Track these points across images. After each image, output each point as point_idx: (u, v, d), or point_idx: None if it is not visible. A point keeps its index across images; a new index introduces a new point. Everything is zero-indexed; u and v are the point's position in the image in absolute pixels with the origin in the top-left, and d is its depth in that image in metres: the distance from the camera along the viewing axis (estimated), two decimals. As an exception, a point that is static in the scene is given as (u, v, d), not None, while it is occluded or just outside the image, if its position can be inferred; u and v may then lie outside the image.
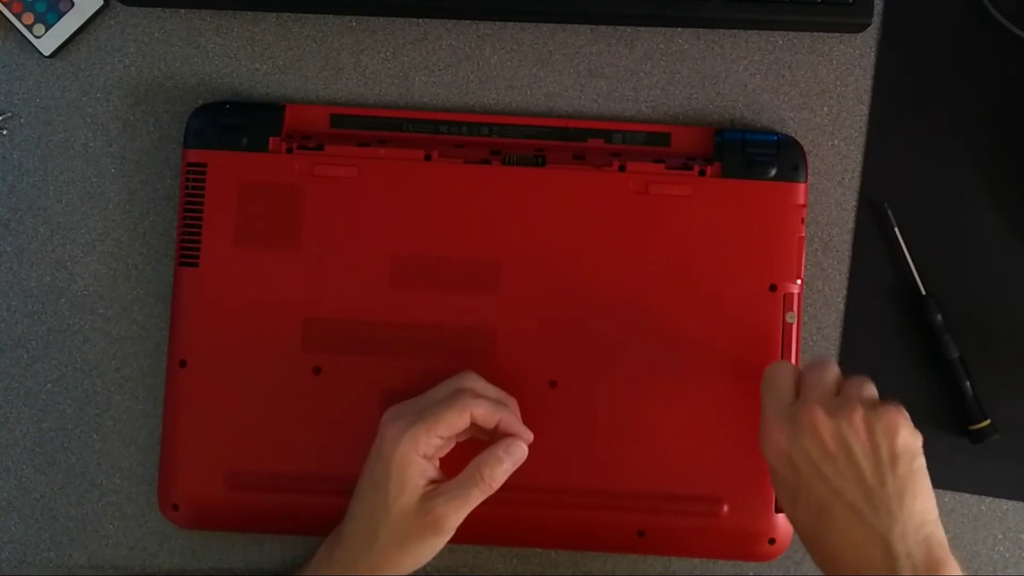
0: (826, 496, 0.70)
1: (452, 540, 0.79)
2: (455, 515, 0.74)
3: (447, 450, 0.77)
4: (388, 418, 0.76)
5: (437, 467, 0.75)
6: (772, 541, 0.81)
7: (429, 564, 0.84)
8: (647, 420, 0.81)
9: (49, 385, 0.87)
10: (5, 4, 0.87)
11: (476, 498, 0.74)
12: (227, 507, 0.83)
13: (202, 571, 0.86)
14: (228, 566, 0.86)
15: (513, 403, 0.79)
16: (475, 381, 0.77)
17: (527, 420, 0.79)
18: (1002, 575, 0.84)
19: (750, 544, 0.81)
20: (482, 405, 0.75)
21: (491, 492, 0.75)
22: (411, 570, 0.76)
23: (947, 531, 0.84)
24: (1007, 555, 0.85)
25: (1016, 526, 0.85)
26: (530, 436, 0.77)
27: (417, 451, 0.73)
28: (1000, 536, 0.85)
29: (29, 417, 0.87)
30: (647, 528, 0.81)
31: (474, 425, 0.76)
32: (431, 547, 0.75)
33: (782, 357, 0.81)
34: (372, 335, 0.82)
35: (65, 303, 0.88)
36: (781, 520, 0.81)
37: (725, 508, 0.81)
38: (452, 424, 0.74)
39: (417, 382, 0.81)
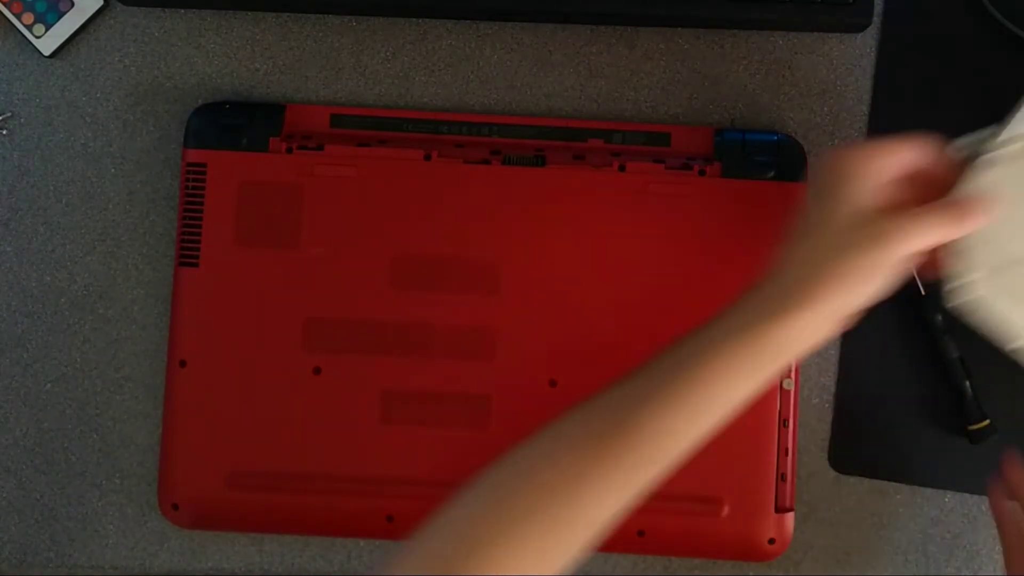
0: None
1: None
2: (904, 234, 0.66)
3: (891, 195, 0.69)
4: (833, 152, 0.69)
5: (883, 195, 0.68)
6: (772, 541, 0.81)
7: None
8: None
9: (49, 385, 0.87)
10: (5, 4, 0.87)
11: (935, 225, 0.67)
12: (227, 507, 0.83)
13: (202, 571, 0.86)
14: (228, 566, 0.86)
15: None
16: None
17: (527, 420, 0.79)
18: (1002, 575, 0.84)
19: (750, 544, 0.81)
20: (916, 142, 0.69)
21: (957, 232, 0.68)
22: (856, 297, 0.67)
23: (947, 531, 0.84)
24: (1007, 555, 0.85)
25: (1016, 526, 0.85)
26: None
27: (870, 162, 0.68)
28: (1000, 536, 0.85)
29: (29, 417, 0.87)
30: (647, 528, 0.81)
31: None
32: (875, 266, 0.66)
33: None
34: (372, 335, 0.82)
35: (65, 303, 0.88)
36: (781, 520, 0.81)
37: (725, 508, 0.81)
38: (905, 152, 0.69)
39: (417, 382, 0.81)
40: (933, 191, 0.70)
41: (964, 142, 0.70)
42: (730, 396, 0.68)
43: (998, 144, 0.70)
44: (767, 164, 0.82)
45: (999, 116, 0.85)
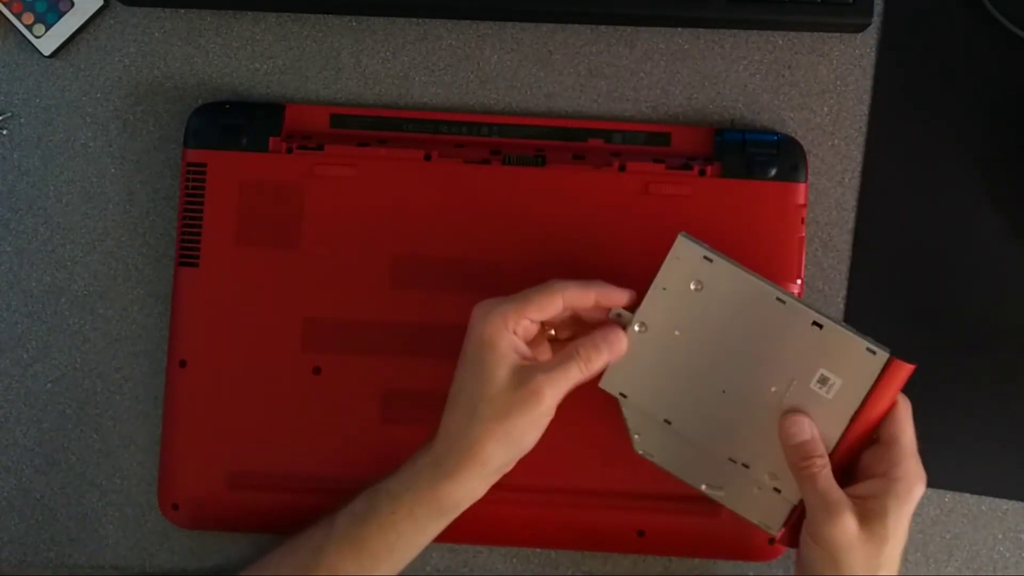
0: None
1: (452, 540, 0.79)
2: (553, 389, 0.71)
3: (535, 334, 0.75)
4: (476, 309, 0.74)
5: (527, 349, 0.74)
6: (772, 541, 0.81)
7: (429, 565, 0.85)
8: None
9: (49, 385, 0.87)
10: (5, 4, 0.87)
11: (574, 375, 0.72)
12: (227, 507, 0.83)
13: (202, 571, 0.86)
14: (228, 566, 0.86)
15: (602, 283, 0.76)
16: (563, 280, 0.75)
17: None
18: (1002, 575, 0.84)
19: (750, 544, 0.81)
20: (572, 285, 0.73)
21: (588, 375, 0.73)
22: (516, 452, 0.73)
23: (947, 531, 0.84)
24: (1007, 555, 0.85)
25: (1016, 526, 0.85)
26: (627, 295, 0.75)
27: (507, 326, 0.72)
28: (1000, 536, 0.85)
29: (29, 417, 0.87)
30: (647, 528, 0.81)
31: (574, 318, 0.75)
32: (531, 422, 0.72)
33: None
34: (372, 335, 0.82)
35: (65, 303, 0.88)
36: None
37: (725, 508, 0.80)
38: (542, 305, 0.73)
39: (417, 382, 0.81)
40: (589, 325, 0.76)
41: (616, 312, 0.75)
42: (404, 548, 0.75)
43: (633, 322, 0.76)
44: (767, 164, 0.82)
45: (999, 116, 0.85)
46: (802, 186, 0.82)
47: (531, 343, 0.75)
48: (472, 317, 0.73)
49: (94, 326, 0.87)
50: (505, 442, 0.72)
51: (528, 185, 0.82)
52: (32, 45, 0.87)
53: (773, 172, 0.82)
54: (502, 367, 0.72)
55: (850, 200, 0.86)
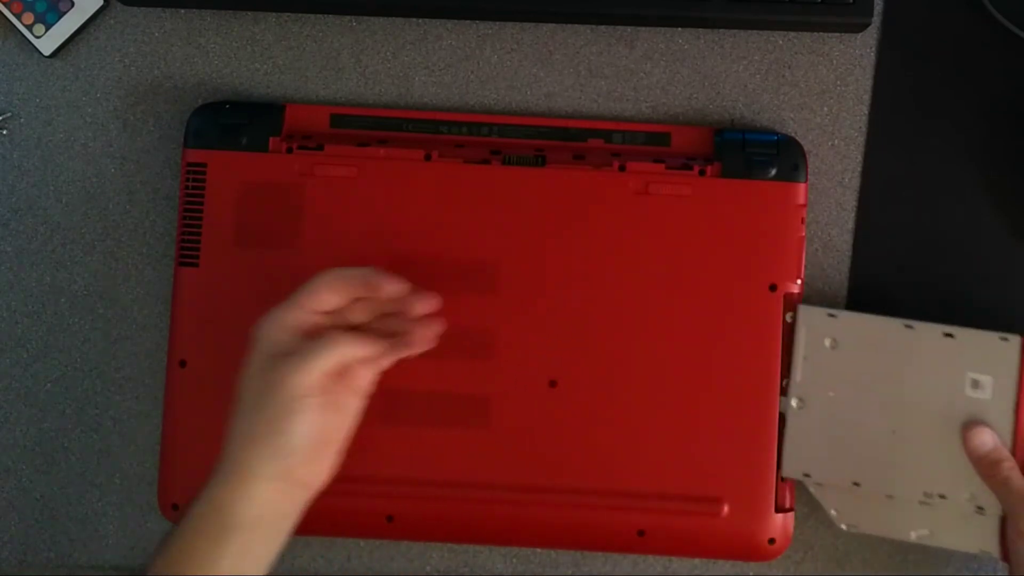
0: None
1: (452, 540, 0.79)
2: (300, 360, 0.71)
3: (321, 323, 0.74)
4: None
5: (298, 341, 0.73)
6: (772, 541, 0.81)
7: (429, 565, 0.85)
8: (647, 419, 0.81)
9: (49, 385, 0.87)
10: (5, 4, 0.87)
11: (328, 356, 0.72)
12: (227, 507, 0.83)
13: (202, 571, 0.86)
14: (228, 566, 0.86)
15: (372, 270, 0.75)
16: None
17: (526, 419, 0.79)
18: (1002, 575, 0.84)
19: (750, 544, 0.81)
20: (336, 277, 0.74)
21: (351, 351, 0.73)
22: (282, 442, 0.71)
23: (947, 531, 0.84)
24: (1007, 555, 0.85)
25: (1016, 526, 0.85)
26: (396, 285, 0.75)
27: (278, 323, 0.72)
28: (1000, 536, 0.85)
29: (29, 417, 0.87)
30: (647, 528, 0.81)
31: (370, 303, 0.76)
32: (278, 411, 0.71)
33: (782, 356, 0.81)
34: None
35: (65, 303, 0.88)
36: (781, 520, 0.81)
37: (725, 508, 0.80)
38: (308, 299, 0.73)
39: (417, 382, 0.81)
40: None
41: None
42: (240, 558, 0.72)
43: (791, 399, 0.81)
44: (767, 164, 0.82)
45: (999, 116, 0.85)
46: (802, 186, 0.82)
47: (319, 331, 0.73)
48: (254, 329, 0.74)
49: (94, 326, 0.87)
50: (265, 439, 0.71)
51: (528, 185, 0.82)
52: (32, 45, 0.87)
53: (773, 172, 0.82)
54: (259, 362, 0.72)
55: (850, 200, 0.86)
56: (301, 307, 0.73)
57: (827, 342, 0.80)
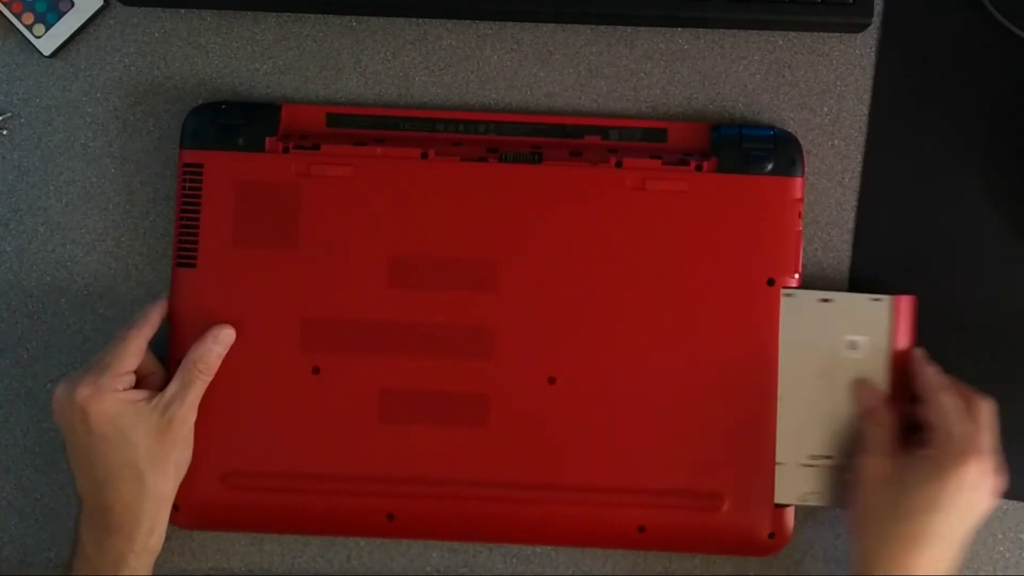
0: None
1: (453, 538, 0.79)
2: (189, 410, 0.79)
3: (136, 382, 0.80)
4: (60, 395, 0.78)
5: (140, 391, 0.79)
6: (772, 536, 0.81)
7: (430, 565, 0.85)
8: (646, 415, 0.81)
9: (49, 385, 0.87)
10: (5, 4, 0.87)
11: (200, 387, 0.79)
12: (227, 507, 0.83)
13: (202, 571, 0.86)
14: (228, 566, 0.86)
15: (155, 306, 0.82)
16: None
17: (526, 416, 0.79)
18: (1002, 575, 0.84)
19: (751, 539, 0.81)
20: (134, 331, 0.79)
21: (211, 376, 0.80)
22: (182, 474, 0.80)
23: (946, 530, 0.84)
24: (1007, 555, 0.84)
25: (1016, 526, 0.84)
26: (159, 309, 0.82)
27: (99, 389, 0.76)
28: (1000, 536, 0.85)
29: (29, 417, 0.87)
30: (647, 524, 0.81)
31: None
32: (184, 448, 0.79)
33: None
34: (371, 334, 0.82)
35: (65, 303, 0.88)
36: (781, 515, 0.81)
37: (726, 503, 0.80)
38: (122, 362, 0.78)
39: (416, 381, 0.81)
40: None
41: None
42: None
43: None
44: (764, 159, 0.82)
45: (999, 116, 0.85)
46: (799, 180, 0.82)
47: (138, 372, 0.80)
48: (56, 406, 0.78)
49: (94, 326, 0.87)
50: (178, 475, 0.80)
51: (525, 182, 0.82)
52: (32, 45, 0.87)
53: (770, 167, 0.82)
54: (137, 429, 0.77)
55: (850, 200, 0.86)
56: (116, 370, 0.78)
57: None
